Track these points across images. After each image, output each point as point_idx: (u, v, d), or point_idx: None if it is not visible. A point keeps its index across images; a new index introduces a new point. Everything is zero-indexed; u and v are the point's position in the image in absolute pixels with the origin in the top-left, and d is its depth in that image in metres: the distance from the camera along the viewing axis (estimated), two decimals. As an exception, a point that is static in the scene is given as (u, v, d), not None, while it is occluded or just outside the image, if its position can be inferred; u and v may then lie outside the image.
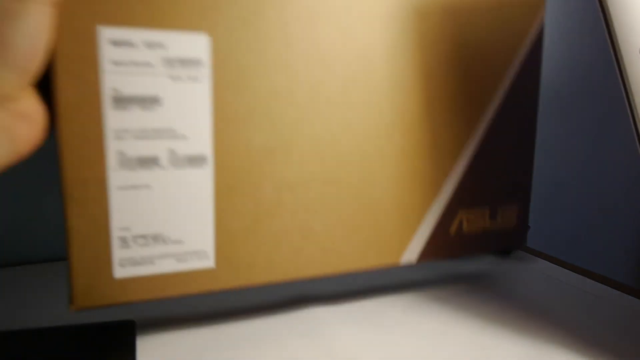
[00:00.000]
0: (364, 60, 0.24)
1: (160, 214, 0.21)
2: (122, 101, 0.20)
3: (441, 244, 0.29)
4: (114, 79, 0.19)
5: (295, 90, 0.23)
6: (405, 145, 0.27)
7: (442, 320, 0.30)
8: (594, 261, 0.54)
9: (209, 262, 0.23)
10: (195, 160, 0.24)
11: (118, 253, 0.20)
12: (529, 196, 0.33)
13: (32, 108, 0.18)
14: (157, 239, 0.23)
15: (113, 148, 0.20)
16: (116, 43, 0.19)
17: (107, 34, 0.19)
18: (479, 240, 0.30)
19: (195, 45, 0.20)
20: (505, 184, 0.31)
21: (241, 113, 0.22)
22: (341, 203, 0.25)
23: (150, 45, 0.21)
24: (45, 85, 0.19)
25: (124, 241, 0.21)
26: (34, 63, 0.17)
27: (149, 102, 0.20)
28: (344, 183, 0.25)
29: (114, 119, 0.20)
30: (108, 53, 0.19)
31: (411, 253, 0.28)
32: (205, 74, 0.21)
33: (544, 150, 0.58)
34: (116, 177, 0.20)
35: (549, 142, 0.57)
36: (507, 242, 0.32)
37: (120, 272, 0.21)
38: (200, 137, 0.21)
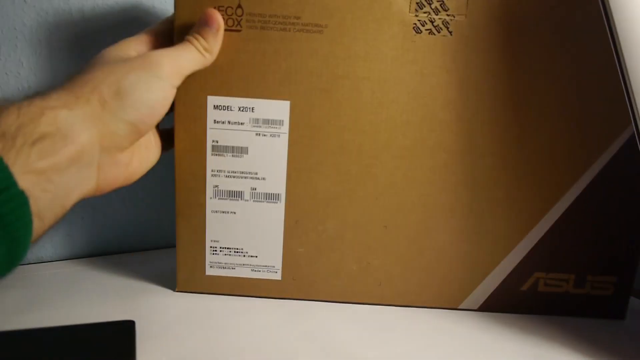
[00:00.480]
0: (432, 120, 0.35)
1: (242, 234, 0.37)
2: (219, 149, 0.35)
3: (510, 298, 0.39)
4: (215, 133, 0.35)
5: (362, 147, 0.35)
6: (473, 203, 0.37)
7: (442, 320, 0.39)
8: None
9: (276, 275, 0.38)
10: (271, 197, 0.38)
11: (209, 257, 0.37)
12: (634, 270, 0.39)
13: (126, 160, 0.31)
14: (238, 251, 0.41)
15: (211, 183, 0.35)
16: (218, 107, 0.34)
17: (212, 100, 0.34)
18: (560, 303, 0.39)
19: (277, 109, 0.34)
20: (599, 255, 0.38)
21: (311, 163, 0.35)
22: (399, 245, 0.37)
23: (243, 108, 0.36)
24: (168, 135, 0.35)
25: (214, 249, 0.38)
26: (147, 126, 0.30)
27: (238, 150, 0.35)
28: (403, 228, 0.37)
29: (213, 162, 0.35)
30: (211, 114, 0.35)
31: (473, 301, 0.39)
32: (284, 131, 0.35)
33: None
34: (212, 204, 0.36)
35: None
36: (601, 312, 0.40)
37: (210, 271, 0.38)
38: (276, 180, 0.35)
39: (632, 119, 0.30)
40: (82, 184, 0.27)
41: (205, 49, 0.32)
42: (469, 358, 0.34)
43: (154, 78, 0.29)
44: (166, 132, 0.35)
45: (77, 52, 0.43)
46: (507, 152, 0.36)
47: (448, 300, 0.39)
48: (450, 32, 0.33)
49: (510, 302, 0.39)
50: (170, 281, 0.40)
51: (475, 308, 0.39)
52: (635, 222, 0.37)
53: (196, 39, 0.32)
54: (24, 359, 0.29)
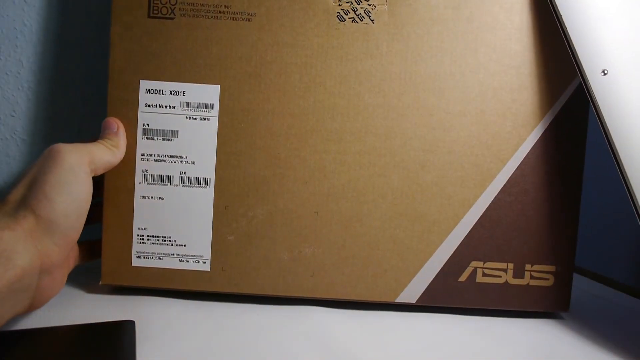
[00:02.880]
0: (358, 104, 0.41)
1: (170, 221, 0.41)
2: (149, 132, 0.40)
3: (448, 290, 0.44)
4: (146, 116, 0.40)
5: (290, 131, 0.41)
6: (403, 187, 0.42)
7: (441, 320, 0.43)
8: (594, 261, 0.68)
9: (205, 266, 0.43)
10: (200, 181, 0.44)
11: (136, 247, 0.41)
12: (573, 259, 0.44)
13: (60, 276, 0.35)
14: (166, 240, 0.46)
15: (140, 167, 0.40)
16: (150, 91, 0.40)
17: (144, 85, 0.40)
18: (501, 294, 0.44)
19: (207, 93, 0.41)
20: (536, 243, 0.44)
21: (240, 147, 0.41)
22: (331, 232, 0.42)
23: (174, 92, 0.44)
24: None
25: (141, 238, 0.43)
26: (76, 231, 0.36)
27: (168, 134, 0.40)
28: (334, 214, 0.42)
29: (142, 146, 0.40)
30: (143, 98, 0.40)
31: (410, 294, 0.44)
32: (213, 115, 0.41)
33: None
34: (140, 189, 0.40)
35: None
36: (542, 303, 0.45)
37: (136, 261, 0.41)
38: (206, 164, 0.40)
39: (604, 134, 0.38)
40: (16, 306, 0.32)
41: (113, 146, 0.40)
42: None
43: (68, 171, 0.36)
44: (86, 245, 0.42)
45: (77, 51, 0.50)
46: (434, 136, 0.42)
47: (384, 294, 0.43)
48: (372, 21, 0.41)
49: (449, 295, 0.44)
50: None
51: (414, 302, 0.44)
52: (567, 208, 0.44)
53: (103, 139, 0.40)
54: (24, 359, 0.31)
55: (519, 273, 0.44)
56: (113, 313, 0.39)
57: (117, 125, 0.41)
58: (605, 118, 0.38)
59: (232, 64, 0.41)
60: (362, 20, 0.41)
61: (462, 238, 0.43)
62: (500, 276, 0.44)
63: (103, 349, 0.32)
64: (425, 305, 0.44)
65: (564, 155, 0.43)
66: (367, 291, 0.43)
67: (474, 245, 0.43)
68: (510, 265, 0.44)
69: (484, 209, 0.43)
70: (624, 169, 0.37)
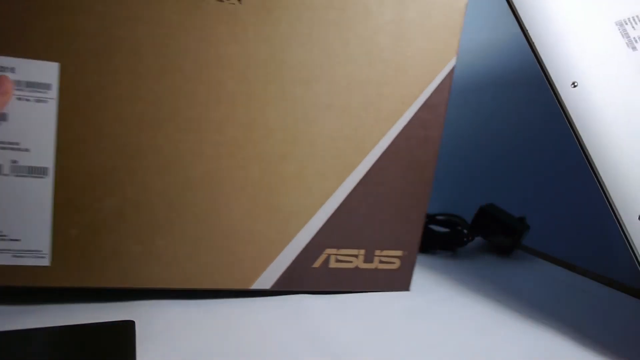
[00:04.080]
0: (220, 92, 0.41)
1: (0, 215, 0.39)
2: None
3: (303, 276, 0.47)
4: None
5: (142, 118, 0.40)
6: (263, 179, 0.44)
7: (441, 320, 0.46)
8: (594, 261, 0.73)
9: (44, 261, 0.44)
10: (36, 171, 0.41)
11: None
12: (417, 245, 0.51)
13: None
14: (-5, 234, 0.44)
15: None
16: None
17: None
18: (352, 277, 0.49)
19: (43, 71, 0.37)
20: (387, 231, 0.49)
21: (85, 134, 0.39)
22: (186, 224, 0.43)
23: (1, 68, 0.40)
24: None
25: None
26: None
27: None
28: (190, 206, 0.43)
29: None
30: None
31: (265, 280, 0.46)
32: (51, 96, 0.38)
33: (543, 149, 0.83)
34: None
35: (548, 141, 0.82)
36: (388, 285, 0.51)
37: None
38: (43, 152, 0.38)
39: (579, 146, 0.42)
40: None
41: None
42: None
43: None
44: None
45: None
46: (296, 127, 0.44)
47: (239, 281, 0.46)
48: (239, 0, 0.39)
49: (303, 280, 0.48)
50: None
51: (268, 287, 0.46)
52: (417, 200, 0.49)
53: None
54: (24, 359, 0.32)
55: (369, 258, 0.49)
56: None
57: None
58: (578, 128, 0.42)
59: (74, 38, 0.38)
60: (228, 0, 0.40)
61: (319, 227, 0.46)
62: (351, 261, 0.48)
63: (103, 349, 0.34)
64: (279, 290, 0.48)
65: (420, 149, 0.48)
66: (222, 280, 0.45)
67: (330, 234, 0.47)
68: (362, 252, 0.48)
69: (342, 200, 0.46)
70: (599, 175, 0.42)
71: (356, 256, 0.49)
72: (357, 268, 0.49)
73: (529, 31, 0.44)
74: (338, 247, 0.48)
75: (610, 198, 0.41)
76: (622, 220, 0.40)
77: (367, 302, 0.49)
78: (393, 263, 0.50)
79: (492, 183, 0.90)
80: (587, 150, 0.42)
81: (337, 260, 0.48)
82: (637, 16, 0.43)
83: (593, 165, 0.42)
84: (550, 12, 0.44)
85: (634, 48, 0.42)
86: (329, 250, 0.48)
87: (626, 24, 0.43)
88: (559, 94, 0.43)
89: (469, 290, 0.53)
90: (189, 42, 0.40)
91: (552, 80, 0.44)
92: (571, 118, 0.43)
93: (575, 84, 0.43)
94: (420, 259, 0.62)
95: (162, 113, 0.41)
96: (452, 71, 0.46)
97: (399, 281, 0.51)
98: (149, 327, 0.40)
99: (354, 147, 0.45)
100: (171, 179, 0.42)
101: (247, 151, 0.43)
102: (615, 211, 0.41)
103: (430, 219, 0.70)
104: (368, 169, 0.46)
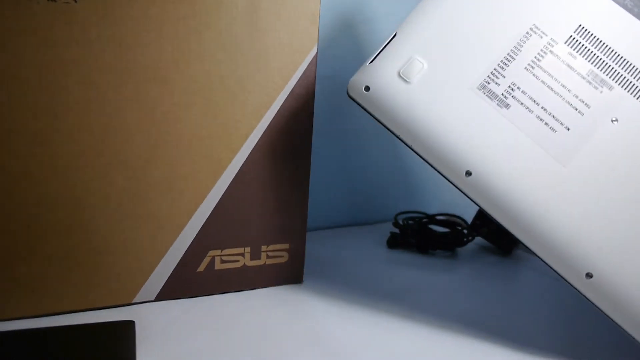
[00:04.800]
0: (67, 99, 0.37)
1: None
2: None
3: (187, 282, 0.45)
4: None
5: None
6: (129, 187, 0.40)
7: (442, 320, 0.44)
8: (564, 281, 0.82)
9: None
10: None
11: None
12: (304, 235, 0.49)
13: None
14: None
15: None
16: None
17: None
18: (240, 277, 0.47)
19: None
20: (270, 225, 0.47)
21: None
22: (49, 245, 0.39)
23: None
24: None
25: None
26: None
27: None
28: (51, 225, 0.39)
29: None
30: None
31: (147, 292, 0.43)
32: None
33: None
34: None
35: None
36: (279, 279, 0.49)
37: None
38: None
39: None
40: None
41: None
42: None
43: None
44: None
45: None
46: (159, 130, 0.41)
47: (119, 297, 0.42)
48: (75, 0, 0.35)
49: (188, 286, 0.45)
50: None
51: (152, 299, 0.43)
52: (297, 191, 0.47)
53: None
54: (24, 359, 0.32)
55: (255, 255, 0.46)
56: None
57: None
58: (495, 218, 0.40)
59: None
60: None
61: (198, 230, 0.44)
62: (238, 260, 0.46)
63: (103, 349, 0.34)
64: (165, 300, 0.45)
65: (293, 139, 0.46)
66: (100, 298, 0.42)
67: (211, 236, 0.44)
68: (247, 249, 0.46)
69: (218, 199, 0.44)
70: (537, 254, 0.39)
71: (242, 254, 0.46)
72: (244, 266, 0.47)
73: (401, 137, 0.40)
74: (222, 248, 0.45)
75: (555, 270, 0.39)
76: (574, 285, 0.39)
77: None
78: (281, 257, 0.48)
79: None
80: (516, 235, 0.39)
81: (223, 261, 0.46)
82: (494, 70, 0.40)
83: (528, 247, 0.39)
84: (414, 112, 0.40)
85: (506, 106, 0.39)
86: (212, 252, 0.45)
87: (488, 83, 0.40)
88: (457, 186, 0.40)
89: (468, 290, 0.52)
90: (24, 48, 0.36)
91: (446, 176, 0.40)
92: (481, 207, 0.40)
93: (469, 172, 0.39)
94: (421, 259, 0.61)
95: (3, 127, 0.36)
96: (314, 59, 0.44)
97: (290, 274, 0.49)
98: (149, 327, 0.39)
99: (224, 145, 0.43)
100: (22, 199, 0.38)
101: (106, 159, 0.39)
102: (565, 278, 0.39)
103: (430, 219, 0.68)
104: (241, 165, 0.44)
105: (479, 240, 0.70)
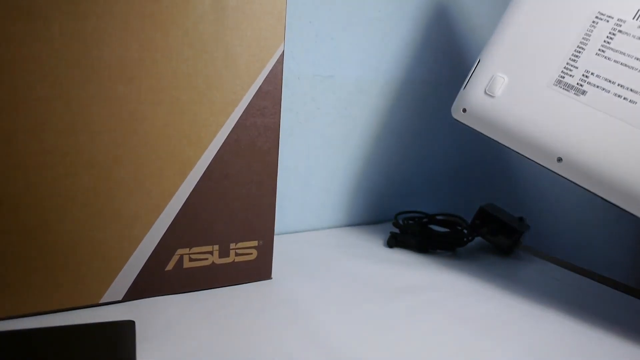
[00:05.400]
0: (29, 98, 0.36)
1: None
2: None
3: (155, 281, 0.43)
4: None
5: None
6: (96, 186, 0.39)
7: (442, 320, 0.44)
8: (594, 261, 0.76)
9: None
10: None
11: None
12: (272, 232, 0.48)
13: None
14: None
15: None
16: None
17: None
18: (209, 275, 0.46)
19: None
20: (239, 223, 0.46)
21: None
22: (12, 247, 0.38)
23: None
24: None
25: None
26: None
27: None
28: (14, 226, 0.37)
29: None
30: None
31: (115, 292, 0.42)
32: None
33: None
34: None
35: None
36: (249, 276, 0.48)
37: None
38: None
39: None
40: None
41: None
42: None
43: None
44: None
45: None
46: (124, 128, 0.40)
47: (85, 297, 0.41)
48: (36, -4, 0.34)
49: (157, 285, 0.44)
50: None
51: (120, 299, 0.42)
52: (265, 188, 0.47)
53: None
54: (24, 359, 0.31)
55: (224, 252, 0.46)
56: None
57: None
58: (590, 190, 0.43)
59: None
60: (21, -5, 0.34)
61: (166, 229, 0.43)
62: (207, 258, 0.45)
63: (103, 349, 0.33)
64: (132, 300, 0.43)
65: (261, 137, 0.45)
66: (65, 299, 0.40)
67: (179, 234, 0.43)
68: (216, 247, 0.45)
69: (186, 198, 0.43)
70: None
71: (211, 252, 0.46)
72: (213, 264, 0.46)
73: (500, 142, 0.46)
74: (190, 247, 0.44)
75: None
76: None
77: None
78: (250, 254, 0.48)
79: (492, 183, 0.87)
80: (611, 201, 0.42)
81: (191, 260, 0.45)
82: (566, 65, 0.43)
83: (630, 212, 0.41)
84: (502, 119, 0.46)
85: (583, 92, 0.43)
86: (180, 251, 0.44)
87: (562, 77, 0.43)
88: (553, 171, 0.44)
89: (468, 290, 0.52)
90: (-17, 45, 0.34)
91: (542, 165, 0.44)
92: (578, 185, 0.43)
93: (560, 158, 0.43)
94: (421, 259, 0.60)
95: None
96: (281, 57, 0.44)
97: (259, 271, 0.49)
98: (149, 327, 0.39)
99: (192, 143, 0.42)
100: (-14, 199, 0.36)
101: (72, 158, 0.38)
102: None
103: (430, 219, 0.67)
104: (209, 162, 0.43)
105: (479, 240, 0.70)
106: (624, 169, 0.40)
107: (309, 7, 0.61)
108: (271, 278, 0.49)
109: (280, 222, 0.66)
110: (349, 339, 0.40)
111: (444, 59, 0.73)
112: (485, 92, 0.47)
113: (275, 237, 0.62)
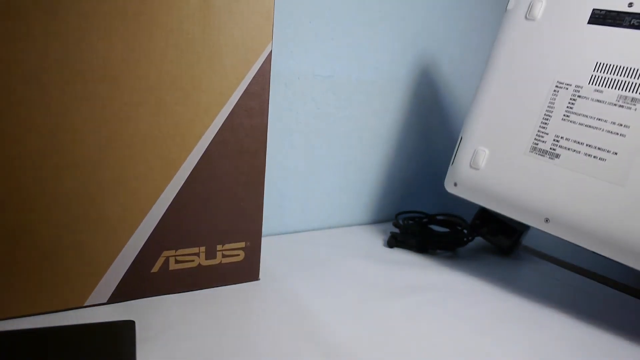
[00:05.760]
0: (10, 97, 0.35)
1: None
2: None
3: (141, 283, 0.43)
4: None
5: None
6: (79, 188, 0.38)
7: (442, 320, 0.43)
8: (594, 261, 0.73)
9: None
10: None
11: None
12: (260, 234, 0.47)
13: None
14: None
15: None
16: None
17: None
18: (195, 277, 0.45)
19: None
20: (226, 224, 0.45)
21: None
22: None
23: None
24: None
25: None
26: None
27: None
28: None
29: None
30: None
31: (100, 294, 0.41)
32: None
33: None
34: None
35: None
36: (236, 277, 0.47)
37: None
38: None
39: None
40: None
41: None
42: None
43: None
44: None
45: None
46: (109, 130, 0.39)
47: (70, 300, 0.40)
48: (16, -5, 0.33)
49: (142, 287, 0.43)
50: None
51: (105, 301, 0.41)
52: (253, 189, 0.46)
53: None
54: (24, 359, 0.31)
55: (210, 254, 0.45)
56: None
57: None
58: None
59: None
60: (2, -6, 0.33)
61: (151, 231, 0.42)
62: (193, 260, 0.44)
63: (103, 349, 0.33)
64: (118, 302, 0.42)
65: (248, 138, 0.44)
66: (49, 302, 0.39)
67: (164, 236, 0.42)
68: (202, 249, 0.44)
69: (172, 200, 0.42)
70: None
71: (197, 254, 0.45)
72: (200, 266, 0.45)
73: (492, 210, 0.51)
74: (176, 248, 0.43)
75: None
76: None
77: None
78: (237, 255, 0.47)
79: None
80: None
81: (177, 262, 0.44)
82: (538, 131, 0.47)
83: (618, 261, 0.43)
84: (489, 189, 0.50)
85: (557, 156, 0.46)
86: (166, 253, 0.43)
87: (537, 144, 0.47)
88: (543, 231, 0.46)
89: (468, 290, 0.51)
90: (-38, 45, 0.33)
91: (532, 225, 0.47)
92: (569, 241, 0.46)
93: (547, 219, 0.46)
94: (421, 259, 0.59)
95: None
96: (269, 56, 0.43)
97: (246, 272, 0.48)
98: (149, 327, 0.38)
99: (177, 144, 0.41)
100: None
101: (54, 160, 0.37)
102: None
103: (430, 219, 0.67)
104: (195, 164, 0.42)
105: (479, 240, 0.70)
106: (606, 222, 0.42)
107: (309, 7, 0.59)
108: (259, 279, 0.49)
109: (280, 222, 0.65)
110: (349, 339, 0.40)
111: (444, 59, 0.72)
112: (470, 166, 0.51)
113: (275, 237, 0.62)
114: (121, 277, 0.42)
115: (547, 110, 0.47)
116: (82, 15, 0.36)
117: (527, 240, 0.82)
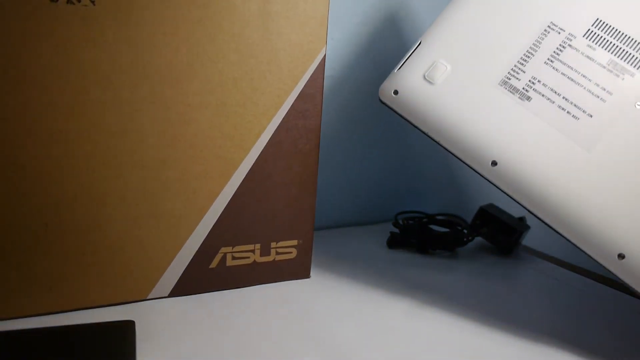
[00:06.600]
0: (84, 100, 0.36)
1: None
2: None
3: (200, 279, 0.43)
4: None
5: (1, 134, 0.34)
6: (144, 186, 0.39)
7: (441, 320, 0.43)
8: (594, 261, 0.81)
9: None
10: None
11: None
12: (312, 232, 0.48)
13: None
14: None
15: None
16: None
17: None
18: (250, 273, 0.45)
19: None
20: (280, 222, 0.46)
21: None
22: (66, 244, 0.38)
23: None
24: None
25: None
26: None
27: None
28: (68, 224, 0.37)
29: None
30: None
31: (162, 288, 0.42)
32: None
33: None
34: None
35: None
36: (288, 274, 0.48)
37: None
38: None
39: None
40: None
41: None
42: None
43: None
44: None
45: None
46: (173, 130, 0.39)
47: (134, 293, 0.41)
48: (92, 2, 0.34)
49: (201, 282, 0.44)
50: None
51: (166, 295, 0.41)
52: (306, 189, 0.46)
53: None
54: (24, 359, 0.31)
55: (265, 251, 0.45)
56: None
57: None
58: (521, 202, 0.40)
59: None
60: (79, 1, 0.34)
61: (210, 228, 0.42)
62: (248, 257, 0.45)
63: (103, 349, 0.32)
64: (178, 296, 0.43)
65: (302, 139, 0.45)
66: (114, 295, 0.40)
67: (222, 233, 0.43)
68: (258, 246, 0.45)
69: (230, 198, 0.42)
70: (566, 237, 0.39)
71: (252, 251, 0.45)
72: (255, 263, 0.45)
73: (429, 134, 0.42)
74: (233, 245, 0.44)
75: (585, 250, 0.38)
76: (607, 266, 0.38)
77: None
78: (290, 253, 0.47)
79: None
80: (546, 222, 0.39)
81: (234, 258, 0.44)
82: (514, 67, 0.41)
83: (557, 231, 0.39)
84: (439, 110, 0.41)
85: (528, 98, 0.40)
86: (224, 249, 0.44)
87: (509, 79, 0.41)
88: (484, 176, 0.40)
89: (468, 290, 0.50)
90: (41, 50, 0.34)
91: (473, 168, 0.41)
92: (508, 194, 0.40)
93: (495, 162, 0.39)
94: (421, 259, 0.59)
95: (21, 128, 0.35)
96: (323, 60, 0.43)
97: (298, 269, 0.48)
98: (149, 327, 0.38)
99: (236, 144, 0.41)
100: (41, 199, 0.36)
101: (122, 159, 0.38)
102: (597, 260, 0.38)
103: (430, 219, 0.66)
104: (252, 164, 0.43)
105: (479, 240, 0.68)
106: (557, 182, 0.38)
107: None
108: (310, 277, 0.49)
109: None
110: (348, 339, 0.39)
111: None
112: (424, 78, 0.42)
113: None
114: (182, 272, 0.43)
115: (531, 47, 0.41)
116: (150, 21, 0.37)
117: (527, 240, 0.80)
